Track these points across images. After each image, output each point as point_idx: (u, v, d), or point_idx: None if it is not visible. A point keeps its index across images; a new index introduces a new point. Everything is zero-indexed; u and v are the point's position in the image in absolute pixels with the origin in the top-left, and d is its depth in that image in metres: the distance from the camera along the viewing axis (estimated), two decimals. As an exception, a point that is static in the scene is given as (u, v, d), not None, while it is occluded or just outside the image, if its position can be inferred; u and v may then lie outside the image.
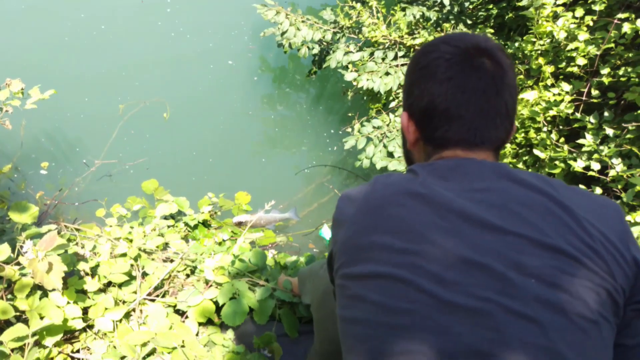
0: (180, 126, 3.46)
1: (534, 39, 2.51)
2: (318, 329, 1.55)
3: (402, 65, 3.00)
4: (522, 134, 2.53)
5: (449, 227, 0.76)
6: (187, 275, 2.16)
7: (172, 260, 2.16)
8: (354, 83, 2.96)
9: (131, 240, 2.20)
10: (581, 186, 2.24)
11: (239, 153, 3.46)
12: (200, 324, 1.84)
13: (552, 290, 0.71)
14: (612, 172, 2.11)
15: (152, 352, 1.59)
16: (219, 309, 1.96)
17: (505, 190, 0.79)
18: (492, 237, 0.74)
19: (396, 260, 0.76)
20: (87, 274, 1.91)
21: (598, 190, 2.19)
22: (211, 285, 1.96)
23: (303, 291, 1.74)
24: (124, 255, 2.09)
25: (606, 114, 2.25)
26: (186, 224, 2.65)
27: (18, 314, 1.55)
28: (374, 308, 0.76)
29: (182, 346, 1.58)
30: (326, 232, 2.67)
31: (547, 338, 0.68)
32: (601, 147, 2.17)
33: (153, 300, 1.91)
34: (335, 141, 3.58)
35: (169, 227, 2.55)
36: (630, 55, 2.28)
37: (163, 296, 1.95)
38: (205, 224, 2.75)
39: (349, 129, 3.13)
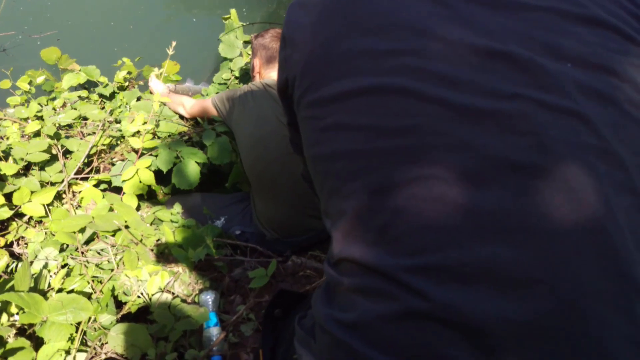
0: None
1: None
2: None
3: None
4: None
5: (450, 13, 0.58)
6: (112, 147, 1.98)
7: (94, 134, 1.95)
8: None
9: (42, 118, 1.94)
10: None
11: (154, 16, 3.01)
12: (142, 199, 1.73)
13: (595, 74, 0.55)
14: None
15: (94, 236, 1.48)
16: (161, 181, 1.86)
17: None
18: (510, 16, 0.58)
19: (385, 66, 0.58)
20: (-1, 158, 1.69)
21: None
22: (142, 154, 1.82)
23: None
24: (38, 135, 1.85)
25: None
26: (101, 95, 2.34)
27: None
28: (362, 134, 0.58)
29: (126, 226, 1.49)
30: None
31: (597, 136, 0.53)
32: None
33: (85, 179, 1.75)
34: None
35: (81, 98, 2.26)
36: None
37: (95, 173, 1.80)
38: (124, 90, 2.46)
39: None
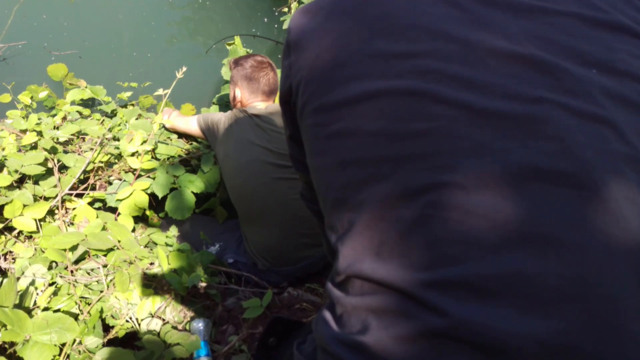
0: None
1: None
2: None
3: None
4: None
5: (466, 16, 0.55)
6: (110, 165, 1.94)
7: (92, 149, 1.91)
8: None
9: (40, 133, 1.90)
10: None
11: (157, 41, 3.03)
12: (137, 222, 1.68)
13: (622, 81, 0.52)
14: None
15: (84, 255, 1.43)
16: (156, 205, 1.82)
17: None
18: (530, 20, 0.55)
19: (397, 69, 0.54)
20: (-7, 168, 1.65)
21: None
22: (140, 175, 1.78)
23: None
24: (35, 147, 1.82)
25: None
26: (103, 112, 2.30)
27: None
28: (372, 141, 0.54)
29: (118, 248, 1.44)
30: None
31: (626, 143, 0.49)
32: None
33: (80, 196, 1.71)
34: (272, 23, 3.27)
35: (81, 115, 2.22)
36: None
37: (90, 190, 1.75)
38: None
39: (285, 9, 2.84)
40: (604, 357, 0.44)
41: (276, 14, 3.24)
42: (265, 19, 3.28)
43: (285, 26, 2.69)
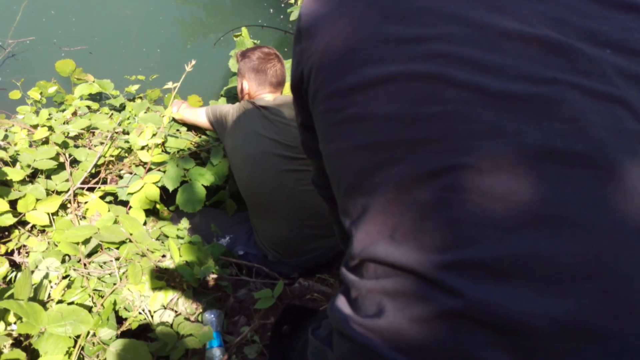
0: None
1: None
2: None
3: None
4: None
5: None
6: (120, 159, 1.95)
7: (102, 144, 1.93)
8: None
9: (51, 128, 1.92)
10: None
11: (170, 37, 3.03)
12: (148, 215, 1.70)
13: (635, 60, 0.52)
14: None
15: (97, 248, 1.44)
16: (167, 199, 1.83)
17: None
18: (543, 1, 0.54)
19: (411, 53, 0.54)
20: (6, 163, 1.66)
21: None
22: (150, 169, 1.79)
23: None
24: (46, 142, 1.83)
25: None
26: (111, 106, 2.31)
27: None
28: (386, 125, 0.54)
29: (130, 241, 1.45)
30: None
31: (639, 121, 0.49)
32: None
33: (91, 190, 1.72)
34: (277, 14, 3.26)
35: (90, 109, 2.23)
36: None
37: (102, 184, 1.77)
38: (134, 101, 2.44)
39: (291, 0, 2.83)
40: (620, 336, 0.44)
41: (282, 5, 3.23)
42: (271, 10, 3.27)
43: (292, 17, 2.68)
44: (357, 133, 0.57)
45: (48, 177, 1.69)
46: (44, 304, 1.20)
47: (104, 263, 1.41)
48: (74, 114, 2.17)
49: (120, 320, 1.26)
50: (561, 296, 0.45)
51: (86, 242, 1.43)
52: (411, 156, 0.52)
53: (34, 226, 1.53)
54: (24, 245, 1.47)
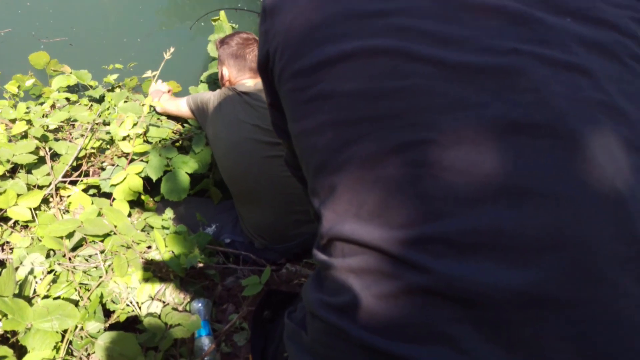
0: None
1: None
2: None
3: None
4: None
5: None
6: (102, 151, 1.93)
7: (83, 136, 1.90)
8: None
9: (30, 122, 1.88)
10: None
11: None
12: (133, 207, 1.69)
13: (596, 28, 0.52)
14: None
15: (82, 241, 1.43)
16: (151, 189, 1.82)
17: None
18: None
19: (371, 28, 0.54)
20: (-16, 159, 1.64)
21: None
22: (133, 159, 1.77)
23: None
24: (25, 136, 1.80)
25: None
26: (90, 98, 2.26)
27: None
28: (349, 102, 0.54)
29: (115, 233, 1.44)
30: None
31: (601, 90, 0.50)
32: None
33: (73, 184, 1.70)
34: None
35: (69, 101, 2.19)
36: None
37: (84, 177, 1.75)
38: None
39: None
40: (582, 304, 0.45)
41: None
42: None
43: (271, 0, 2.64)
44: (322, 111, 0.57)
45: (29, 171, 1.67)
46: (29, 300, 1.19)
47: (89, 256, 1.41)
48: (53, 106, 2.13)
49: (107, 313, 1.26)
50: (523, 267, 0.45)
51: (70, 236, 1.42)
52: (375, 133, 0.52)
53: (16, 222, 1.52)
54: (7, 242, 1.45)
